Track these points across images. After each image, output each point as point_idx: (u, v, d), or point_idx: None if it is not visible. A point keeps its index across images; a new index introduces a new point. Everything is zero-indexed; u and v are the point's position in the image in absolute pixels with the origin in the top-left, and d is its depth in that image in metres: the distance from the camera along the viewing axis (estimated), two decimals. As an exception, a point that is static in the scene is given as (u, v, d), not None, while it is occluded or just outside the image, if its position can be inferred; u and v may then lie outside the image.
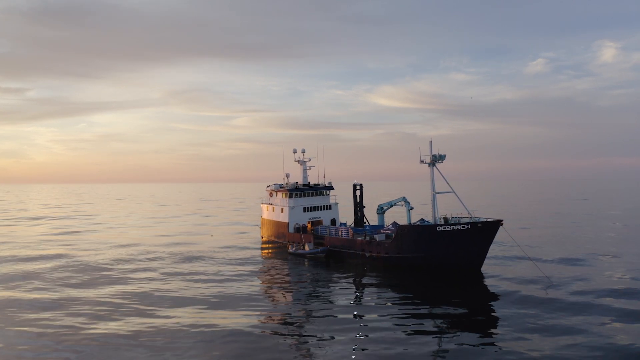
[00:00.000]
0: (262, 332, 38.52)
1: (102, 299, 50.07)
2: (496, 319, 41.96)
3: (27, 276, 62.83)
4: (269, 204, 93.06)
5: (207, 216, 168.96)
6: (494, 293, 51.40)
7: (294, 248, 79.09)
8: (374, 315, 43.13)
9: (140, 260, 74.56)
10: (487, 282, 57.10)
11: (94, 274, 64.08)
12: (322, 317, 42.98)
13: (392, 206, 78.82)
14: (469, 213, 66.37)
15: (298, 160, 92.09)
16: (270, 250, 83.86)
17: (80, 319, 42.70)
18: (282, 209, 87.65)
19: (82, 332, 39.19)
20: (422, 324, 40.62)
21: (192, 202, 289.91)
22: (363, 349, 34.31)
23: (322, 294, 52.03)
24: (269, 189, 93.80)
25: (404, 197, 76.32)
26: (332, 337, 37.06)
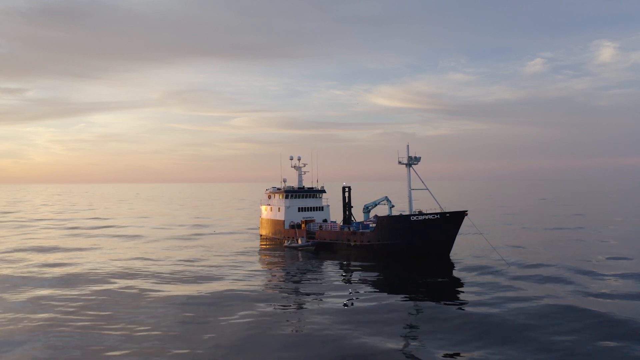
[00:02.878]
0: (265, 304, 47.70)
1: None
2: (460, 290, 51.56)
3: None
4: (268, 204, 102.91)
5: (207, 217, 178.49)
6: (459, 269, 60.99)
7: (289, 242, 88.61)
8: (355, 287, 52.75)
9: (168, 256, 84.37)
10: (454, 261, 66.66)
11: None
12: (313, 291, 52.65)
13: (376, 205, 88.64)
14: (440, 207, 76.15)
15: (294, 166, 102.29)
16: (268, 245, 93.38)
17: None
18: (279, 209, 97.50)
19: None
20: (398, 295, 50.23)
21: (193, 202, 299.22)
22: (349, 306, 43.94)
23: (312, 275, 61.65)
24: (267, 191, 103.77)
25: (386, 197, 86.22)
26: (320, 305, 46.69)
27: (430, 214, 70.81)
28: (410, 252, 71.55)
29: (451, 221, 70.64)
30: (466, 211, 71.40)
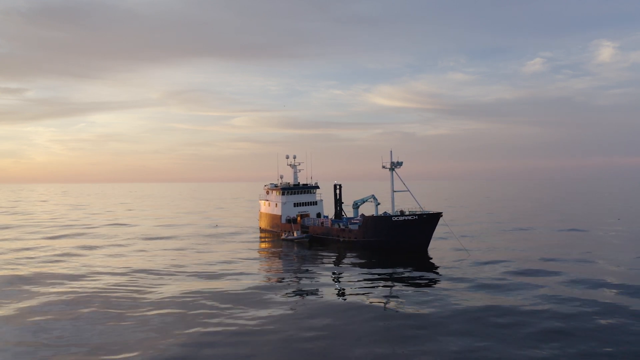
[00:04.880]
0: (262, 291, 57.77)
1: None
2: (435, 278, 61.63)
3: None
4: (266, 200, 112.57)
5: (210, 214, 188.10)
6: (434, 263, 71.06)
7: (286, 235, 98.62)
8: (344, 276, 62.74)
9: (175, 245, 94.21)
10: (431, 255, 76.79)
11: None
12: (307, 280, 62.58)
13: (364, 202, 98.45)
14: (420, 207, 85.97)
15: (290, 165, 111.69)
16: (266, 237, 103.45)
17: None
18: (276, 204, 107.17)
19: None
20: (381, 282, 60.28)
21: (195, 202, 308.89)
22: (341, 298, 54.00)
23: (306, 266, 71.61)
24: (265, 187, 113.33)
25: (373, 195, 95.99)
26: (316, 292, 56.66)
27: (409, 215, 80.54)
28: (391, 248, 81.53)
29: (428, 222, 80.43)
30: (441, 213, 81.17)
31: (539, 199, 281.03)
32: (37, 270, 66.97)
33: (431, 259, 74.94)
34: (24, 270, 66.71)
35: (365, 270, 66.17)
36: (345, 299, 49.71)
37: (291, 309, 46.50)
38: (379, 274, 62.88)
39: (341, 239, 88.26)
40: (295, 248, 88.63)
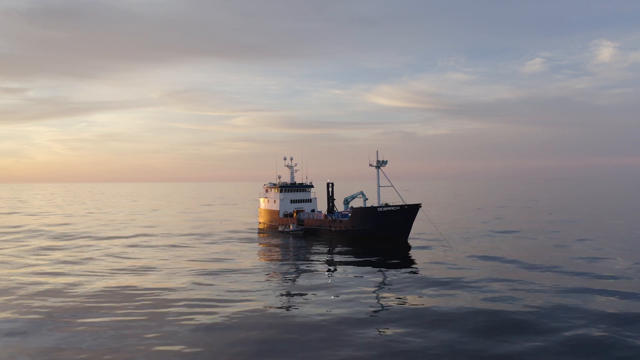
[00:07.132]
0: (262, 284, 68.07)
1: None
2: (416, 265, 72.19)
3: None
4: (265, 197, 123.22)
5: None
6: (415, 251, 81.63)
7: (282, 227, 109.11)
8: (339, 267, 73.17)
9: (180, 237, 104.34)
10: (411, 244, 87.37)
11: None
12: (303, 271, 72.98)
13: (354, 198, 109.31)
14: (402, 200, 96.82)
15: (287, 165, 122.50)
16: (265, 231, 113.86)
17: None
18: (274, 201, 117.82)
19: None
20: (369, 269, 70.73)
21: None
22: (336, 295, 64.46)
23: (299, 256, 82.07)
24: (265, 186, 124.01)
25: (361, 192, 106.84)
26: (311, 291, 67.09)
27: (392, 206, 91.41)
28: (377, 235, 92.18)
29: (408, 212, 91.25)
30: (420, 204, 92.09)
31: (529, 198, 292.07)
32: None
33: (410, 251, 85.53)
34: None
35: (353, 261, 76.47)
36: (335, 294, 52.05)
37: (288, 303, 47.03)
38: (366, 266, 71.05)
39: (333, 229, 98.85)
40: (291, 239, 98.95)
